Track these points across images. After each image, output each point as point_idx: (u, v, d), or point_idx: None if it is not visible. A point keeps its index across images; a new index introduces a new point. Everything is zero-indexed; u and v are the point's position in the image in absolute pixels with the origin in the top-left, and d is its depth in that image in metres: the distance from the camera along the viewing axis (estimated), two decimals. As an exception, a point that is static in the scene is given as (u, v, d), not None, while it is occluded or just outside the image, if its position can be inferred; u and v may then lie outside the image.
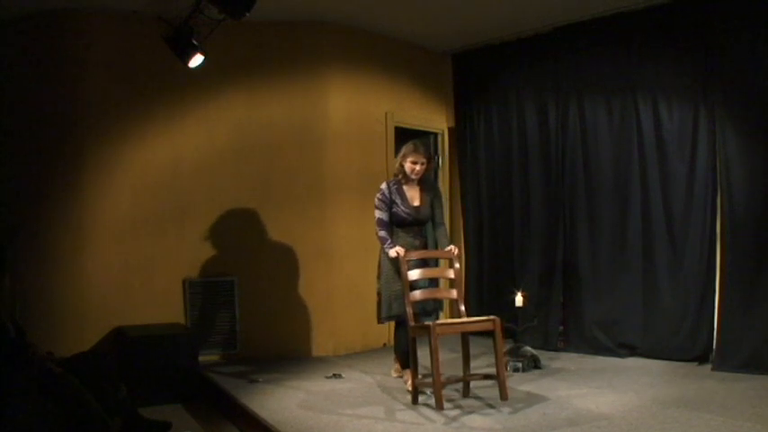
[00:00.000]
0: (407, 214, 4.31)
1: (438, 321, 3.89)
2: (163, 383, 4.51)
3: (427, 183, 4.50)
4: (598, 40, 5.36)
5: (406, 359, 4.21)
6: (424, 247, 4.41)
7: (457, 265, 4.18)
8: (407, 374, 4.27)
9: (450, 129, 6.55)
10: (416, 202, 4.36)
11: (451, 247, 4.27)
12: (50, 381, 3.08)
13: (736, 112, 4.63)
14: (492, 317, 3.82)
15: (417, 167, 4.30)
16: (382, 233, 4.25)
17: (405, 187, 4.36)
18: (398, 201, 4.31)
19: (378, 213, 4.29)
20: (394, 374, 4.58)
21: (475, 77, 6.35)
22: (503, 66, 6.08)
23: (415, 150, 4.31)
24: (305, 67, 5.57)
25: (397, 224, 4.32)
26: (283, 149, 5.53)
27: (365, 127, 5.80)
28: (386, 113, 5.94)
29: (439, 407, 3.59)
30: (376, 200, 4.32)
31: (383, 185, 4.37)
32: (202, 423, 4.12)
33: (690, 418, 3.47)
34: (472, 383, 4.07)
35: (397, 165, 4.40)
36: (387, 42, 5.98)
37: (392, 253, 4.12)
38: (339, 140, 5.65)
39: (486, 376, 3.98)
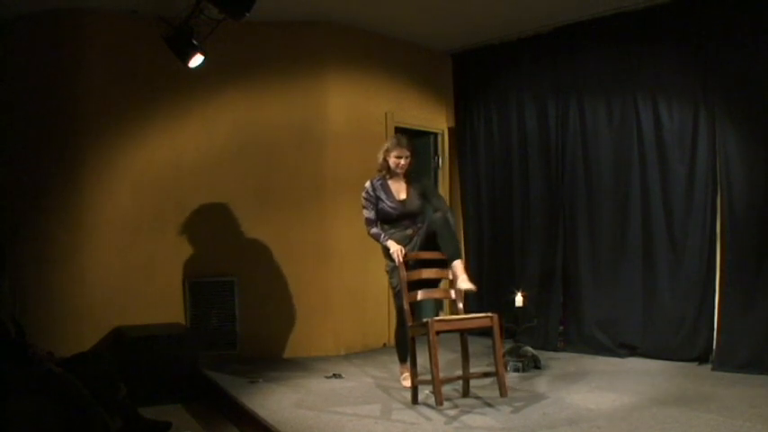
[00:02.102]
0: (393, 209, 4.24)
1: (436, 318, 3.86)
2: (163, 383, 4.51)
3: (413, 176, 4.38)
4: (598, 40, 5.36)
5: (405, 353, 4.20)
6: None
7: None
8: (404, 369, 4.27)
9: (450, 129, 6.55)
10: (403, 196, 4.29)
11: (463, 283, 3.91)
12: (50, 381, 3.08)
13: (736, 112, 4.63)
14: (490, 314, 3.79)
15: (402, 161, 4.25)
16: (374, 230, 4.23)
17: (390, 182, 4.30)
18: (383, 196, 4.25)
19: (365, 213, 4.26)
20: (403, 382, 4.34)
21: (475, 77, 6.35)
22: (503, 66, 6.08)
23: (399, 144, 4.26)
24: (305, 67, 5.57)
25: (384, 221, 4.26)
26: (283, 149, 5.53)
27: (365, 127, 5.80)
28: (386, 113, 5.94)
29: (438, 403, 3.56)
30: (362, 199, 4.28)
31: (367, 184, 4.30)
32: (202, 423, 4.12)
33: (690, 418, 3.47)
34: (472, 383, 4.06)
35: (380, 160, 4.32)
36: (387, 42, 5.98)
37: (391, 246, 4.07)
38: (339, 140, 5.65)
39: (486, 374, 3.95)
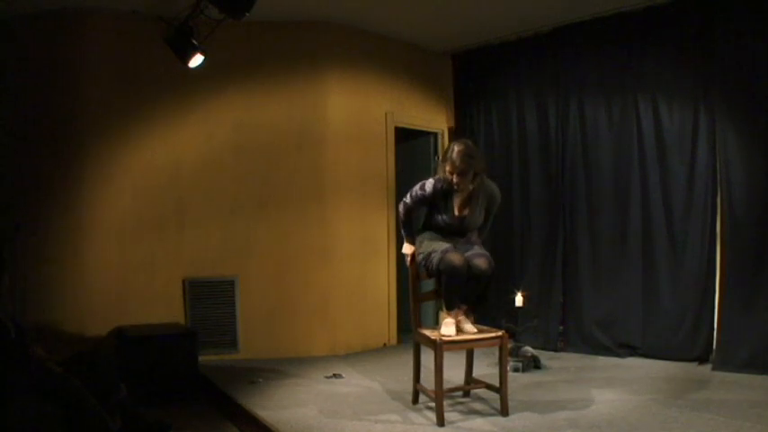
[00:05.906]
0: (446, 224, 3.71)
1: (445, 338, 3.58)
2: (163, 383, 4.51)
3: (485, 185, 3.74)
4: (598, 40, 5.36)
5: (452, 300, 3.67)
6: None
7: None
8: (450, 315, 3.70)
9: (450, 129, 6.55)
10: (465, 211, 3.71)
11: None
12: (50, 381, 3.08)
13: (736, 112, 4.64)
14: (500, 332, 3.68)
15: (454, 179, 3.56)
16: (404, 218, 3.77)
17: (455, 191, 3.65)
18: (441, 206, 3.69)
19: (406, 199, 3.76)
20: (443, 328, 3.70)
21: (475, 77, 6.35)
22: (503, 66, 6.08)
23: (450, 158, 3.54)
24: (305, 67, 5.57)
25: (434, 229, 3.78)
26: (283, 150, 5.53)
27: (365, 127, 5.80)
28: (386, 113, 5.94)
29: (440, 423, 3.47)
30: (414, 190, 3.73)
31: (428, 183, 3.68)
32: (202, 423, 4.12)
33: (690, 418, 3.47)
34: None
35: (438, 164, 3.72)
36: (386, 42, 5.98)
37: (404, 248, 3.88)
38: (339, 140, 5.65)
39: (488, 386, 3.81)
